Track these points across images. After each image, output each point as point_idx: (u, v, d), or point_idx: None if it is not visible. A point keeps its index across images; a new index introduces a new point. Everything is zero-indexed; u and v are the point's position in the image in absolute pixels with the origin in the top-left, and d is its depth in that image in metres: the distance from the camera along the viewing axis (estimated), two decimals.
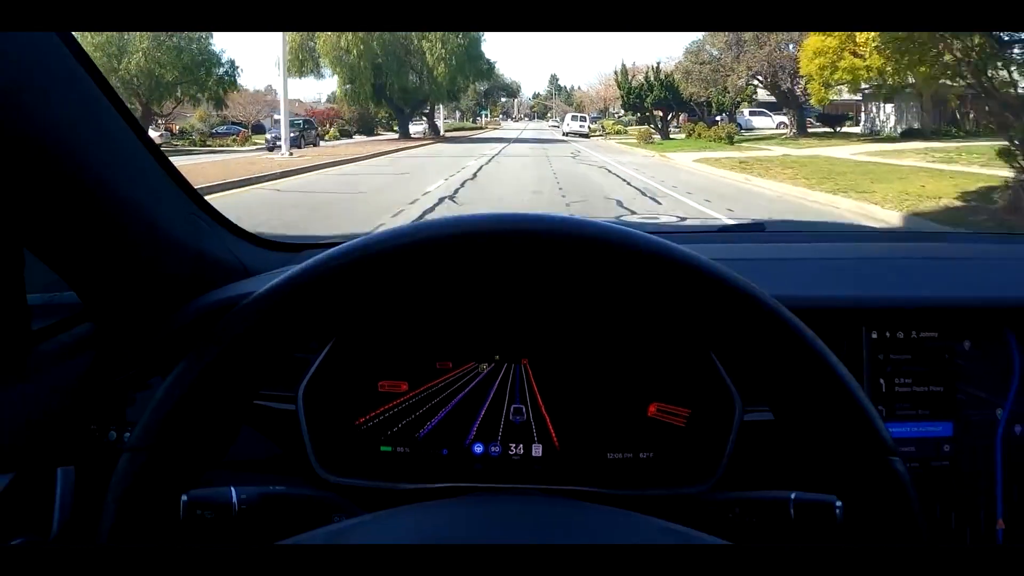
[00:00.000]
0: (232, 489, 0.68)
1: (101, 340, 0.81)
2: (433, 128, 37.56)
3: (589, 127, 40.14)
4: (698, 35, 27.33)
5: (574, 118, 41.66)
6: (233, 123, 34.11)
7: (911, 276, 0.97)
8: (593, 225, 0.45)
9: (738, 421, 0.79)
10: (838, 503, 0.64)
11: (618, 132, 41.50)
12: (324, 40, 27.90)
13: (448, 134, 39.98)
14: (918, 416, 0.84)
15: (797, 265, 1.02)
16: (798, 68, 22.89)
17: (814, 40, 18.24)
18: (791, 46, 24.37)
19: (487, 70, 34.89)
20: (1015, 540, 0.82)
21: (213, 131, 31.08)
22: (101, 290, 0.75)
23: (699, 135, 25.84)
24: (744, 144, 22.58)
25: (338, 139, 32.98)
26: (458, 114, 76.29)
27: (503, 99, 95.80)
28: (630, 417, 0.85)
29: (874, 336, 0.84)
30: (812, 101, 21.63)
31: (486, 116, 77.88)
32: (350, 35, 27.04)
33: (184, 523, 0.66)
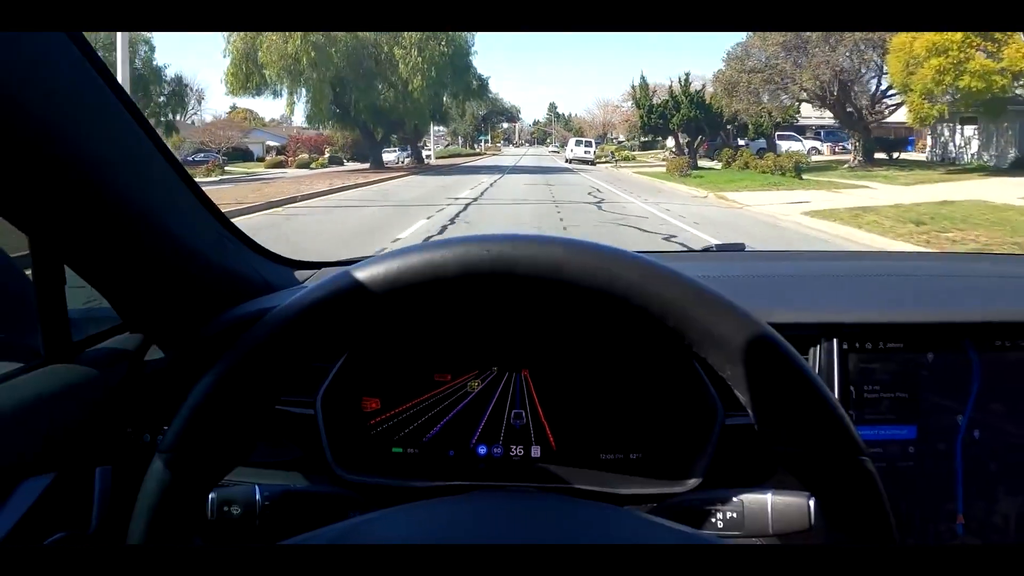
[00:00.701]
0: (256, 487, 0.74)
1: (137, 350, 0.89)
2: (416, 155, 32.45)
3: (595, 153, 35.55)
4: (739, 37, 21.98)
5: (578, 143, 37.36)
6: (217, 151, 30.02)
7: (879, 292, 1.05)
8: (593, 247, 0.48)
9: (720, 425, 0.84)
10: (811, 500, 0.67)
11: (626, 158, 36.81)
12: (267, 46, 22.54)
13: (437, 162, 35.13)
14: (885, 420, 0.90)
15: (774, 282, 1.12)
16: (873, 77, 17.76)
17: (924, 37, 12.97)
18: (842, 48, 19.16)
19: (479, 88, 29.82)
20: (974, 534, 0.89)
21: (187, 159, 26.94)
22: (137, 305, 0.83)
23: (746, 164, 20.36)
24: (812, 179, 17.14)
25: (325, 167, 30.63)
26: (461, 140, 72.04)
27: (504, 125, 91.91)
28: (621, 421, 0.91)
29: (844, 347, 0.90)
30: (909, 120, 16.30)
31: (486, 141, 73.99)
32: (298, 40, 21.58)
33: (212, 519, 0.74)
